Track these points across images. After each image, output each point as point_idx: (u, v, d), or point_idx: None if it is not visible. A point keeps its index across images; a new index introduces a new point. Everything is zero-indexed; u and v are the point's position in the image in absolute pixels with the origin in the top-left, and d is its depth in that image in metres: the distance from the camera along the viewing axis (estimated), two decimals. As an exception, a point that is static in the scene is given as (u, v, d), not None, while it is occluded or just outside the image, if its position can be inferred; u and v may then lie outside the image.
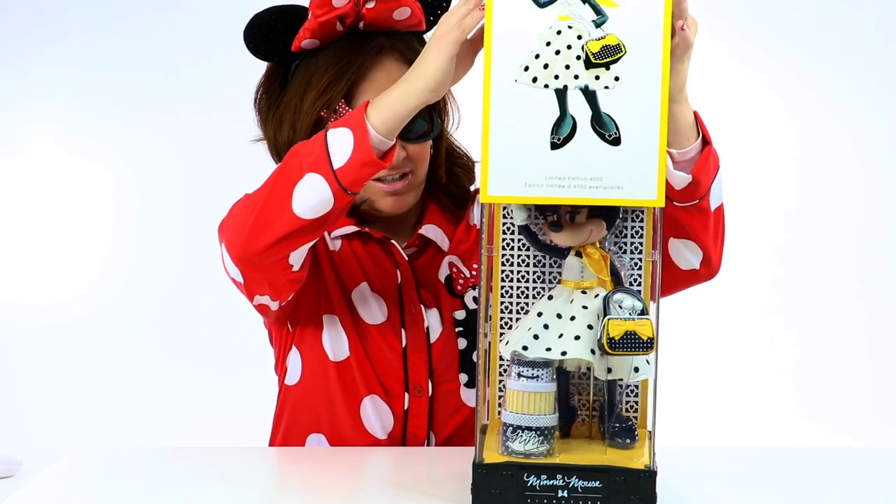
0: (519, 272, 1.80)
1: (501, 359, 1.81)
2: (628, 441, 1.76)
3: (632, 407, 1.82)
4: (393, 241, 2.21)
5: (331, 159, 1.83)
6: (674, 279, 2.08)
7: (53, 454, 2.21)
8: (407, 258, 2.21)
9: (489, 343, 1.80)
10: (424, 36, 2.18)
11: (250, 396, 4.14)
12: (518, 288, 1.80)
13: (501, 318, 1.80)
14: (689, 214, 1.95)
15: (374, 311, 2.21)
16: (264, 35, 2.10)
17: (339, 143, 1.83)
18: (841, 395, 5.55)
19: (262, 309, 2.19)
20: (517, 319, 1.79)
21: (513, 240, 1.81)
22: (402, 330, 2.19)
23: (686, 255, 2.04)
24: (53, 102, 6.07)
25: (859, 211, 5.90)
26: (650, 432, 1.73)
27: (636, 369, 1.72)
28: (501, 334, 1.80)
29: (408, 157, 2.15)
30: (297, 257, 1.98)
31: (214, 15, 5.95)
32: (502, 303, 1.80)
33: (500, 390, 1.82)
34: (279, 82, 2.17)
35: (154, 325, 5.82)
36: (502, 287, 1.81)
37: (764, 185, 5.90)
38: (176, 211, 6.00)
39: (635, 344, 1.67)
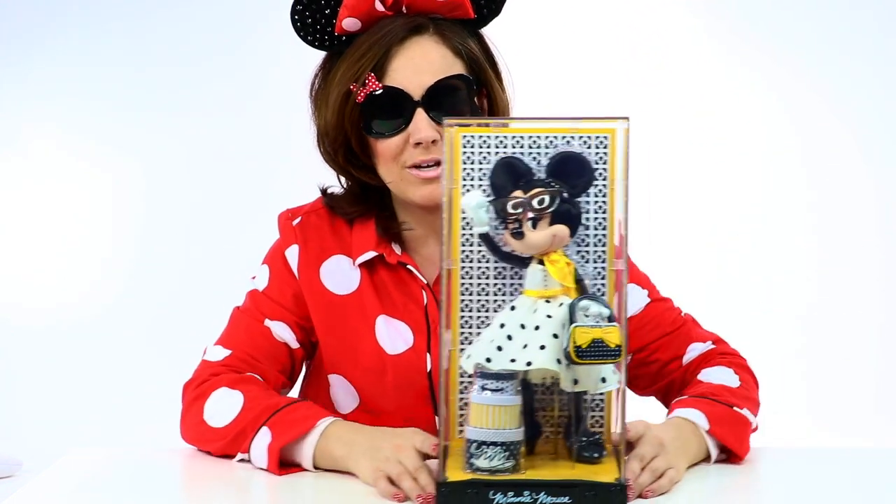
0: (479, 284, 1.70)
1: (462, 374, 1.70)
2: (596, 455, 1.65)
3: (597, 421, 1.72)
4: (409, 267, 2.08)
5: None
6: None
7: (53, 454, 2.14)
8: (426, 281, 2.08)
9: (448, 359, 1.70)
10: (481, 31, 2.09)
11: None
12: (478, 301, 1.70)
13: (461, 333, 1.70)
14: None
15: (395, 341, 2.07)
16: (311, 15, 2.03)
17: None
18: (849, 396, 5.46)
19: None
20: (478, 334, 1.68)
21: (472, 251, 1.70)
22: (427, 354, 2.05)
23: None
24: (54, 102, 5.99)
25: (866, 210, 5.80)
26: (616, 448, 1.64)
27: (603, 380, 1.62)
28: (462, 349, 1.68)
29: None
30: None
31: (216, 14, 5.88)
32: (462, 317, 1.70)
33: (461, 408, 1.71)
34: (329, 69, 2.07)
35: (155, 326, 5.72)
36: (462, 301, 1.70)
37: (768, 186, 5.82)
38: (177, 211, 5.93)
39: (603, 352, 1.56)
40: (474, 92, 2.02)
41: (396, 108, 1.97)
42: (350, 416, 2.08)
